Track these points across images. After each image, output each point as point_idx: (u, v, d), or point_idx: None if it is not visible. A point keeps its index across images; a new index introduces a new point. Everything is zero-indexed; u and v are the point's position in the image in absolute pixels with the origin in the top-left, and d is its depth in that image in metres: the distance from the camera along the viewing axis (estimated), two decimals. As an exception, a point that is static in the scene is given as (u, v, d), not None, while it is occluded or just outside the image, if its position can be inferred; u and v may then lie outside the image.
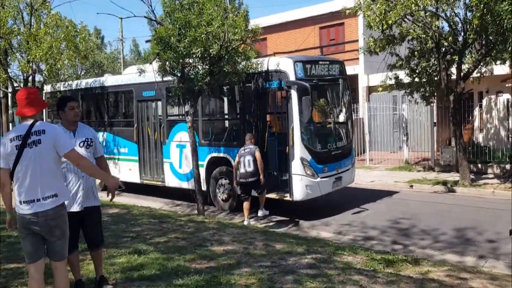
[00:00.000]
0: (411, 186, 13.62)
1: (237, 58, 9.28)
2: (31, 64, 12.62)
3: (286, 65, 9.71)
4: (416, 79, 14.26)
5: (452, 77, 13.27)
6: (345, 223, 9.73)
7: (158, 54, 9.07)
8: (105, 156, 13.03)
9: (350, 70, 20.17)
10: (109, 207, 10.27)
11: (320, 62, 10.29)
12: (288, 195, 9.97)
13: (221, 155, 11.01)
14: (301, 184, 9.74)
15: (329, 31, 22.17)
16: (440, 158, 15.84)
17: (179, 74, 9.21)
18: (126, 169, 13.47)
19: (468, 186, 12.75)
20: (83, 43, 13.82)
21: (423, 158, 17.02)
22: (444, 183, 13.33)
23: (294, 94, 9.56)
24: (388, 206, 11.08)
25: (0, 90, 14.89)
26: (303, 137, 9.68)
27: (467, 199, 11.59)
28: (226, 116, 11.79)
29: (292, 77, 9.59)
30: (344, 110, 11.03)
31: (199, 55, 8.71)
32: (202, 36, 8.62)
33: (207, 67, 9.27)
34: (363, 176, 15.22)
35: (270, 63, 10.00)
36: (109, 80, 13.96)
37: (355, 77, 20.33)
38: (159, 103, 12.40)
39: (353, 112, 17.22)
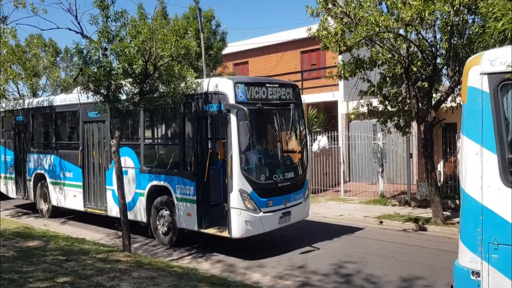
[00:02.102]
0: (381, 222, 12.51)
1: (170, 77, 8.34)
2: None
3: (226, 87, 8.78)
4: (389, 107, 13.30)
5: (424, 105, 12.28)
6: (288, 265, 8.64)
7: (81, 70, 8.18)
8: (51, 180, 12.12)
9: (329, 96, 19.48)
10: (30, 239, 9.30)
11: (268, 85, 9.35)
12: (227, 231, 8.90)
13: (162, 183, 10.01)
14: (239, 219, 8.69)
15: (310, 56, 21.40)
16: (416, 192, 14.73)
17: (104, 92, 8.29)
18: (71, 196, 12.50)
19: (441, 224, 11.61)
20: (34, 61, 12.99)
21: (400, 191, 15.92)
22: (416, 220, 12.20)
23: (233, 118, 8.60)
24: (343, 246, 9.96)
25: None
26: (242, 166, 8.68)
27: (434, 240, 10.45)
28: (167, 141, 10.83)
29: (231, 100, 8.66)
30: (295, 138, 10.04)
31: (121, 71, 7.79)
32: (125, 50, 7.73)
33: (136, 85, 8.35)
34: (334, 209, 14.18)
35: (210, 84, 9.09)
36: (58, 99, 13.10)
37: (334, 104, 19.47)
38: (104, 124, 11.47)
39: (329, 140, 16.49)
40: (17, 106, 14.34)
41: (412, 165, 15.55)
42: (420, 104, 11.95)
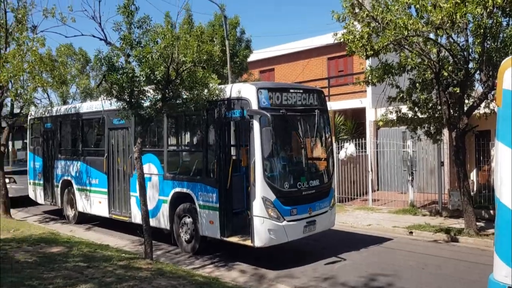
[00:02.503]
0: (411, 232, 12.07)
1: (192, 83, 8.25)
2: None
3: (249, 92, 8.62)
4: (419, 114, 12.89)
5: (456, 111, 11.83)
6: (313, 276, 8.36)
7: (104, 77, 8.17)
8: (78, 187, 12.16)
9: (357, 103, 19.11)
10: (54, 244, 9.32)
11: (292, 90, 9.14)
12: (249, 239, 8.70)
13: (184, 190, 9.90)
14: (262, 228, 8.47)
15: (338, 62, 21.09)
16: (448, 202, 14.19)
17: (127, 99, 8.25)
18: (96, 202, 12.55)
19: (474, 235, 11.10)
20: (61, 68, 13.17)
21: (431, 201, 15.39)
22: (447, 230, 11.72)
23: (256, 124, 8.43)
24: (371, 257, 9.61)
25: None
26: (266, 173, 8.48)
27: (467, 252, 9.97)
28: (190, 148, 10.73)
29: (254, 106, 8.49)
30: (321, 144, 9.79)
31: (144, 77, 7.73)
32: (147, 56, 7.68)
33: (158, 91, 8.29)
34: (361, 219, 13.80)
35: (233, 90, 8.95)
36: (84, 106, 13.24)
37: (362, 111, 19.08)
38: (128, 131, 11.48)
39: (357, 148, 16.12)
40: (45, 114, 14.55)
41: (444, 173, 15.03)
42: (451, 111, 11.50)
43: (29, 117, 15.59)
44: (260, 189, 8.43)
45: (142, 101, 8.46)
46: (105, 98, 8.54)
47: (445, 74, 10.97)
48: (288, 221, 8.67)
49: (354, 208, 15.69)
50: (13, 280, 6.22)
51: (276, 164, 8.80)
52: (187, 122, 10.51)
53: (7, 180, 16.54)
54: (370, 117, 18.52)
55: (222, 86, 9.22)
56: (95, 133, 13.31)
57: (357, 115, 19.77)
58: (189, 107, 8.68)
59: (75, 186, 13.30)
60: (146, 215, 8.66)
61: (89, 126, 13.40)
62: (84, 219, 13.47)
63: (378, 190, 17.97)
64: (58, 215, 14.69)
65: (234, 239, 9.04)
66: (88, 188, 12.80)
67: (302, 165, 9.34)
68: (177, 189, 10.06)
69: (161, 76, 7.89)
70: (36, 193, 15.34)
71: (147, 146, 11.06)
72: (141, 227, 11.08)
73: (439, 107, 12.15)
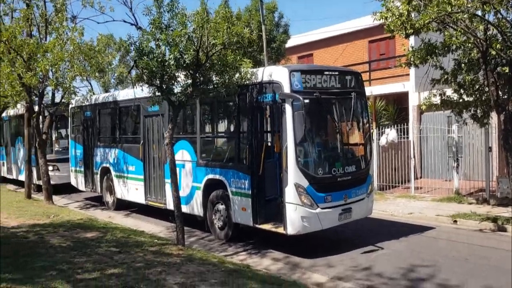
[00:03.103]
0: (455, 221, 11.48)
1: (223, 66, 8.04)
2: (39, 77, 12.19)
3: (281, 75, 8.33)
4: (464, 96, 12.18)
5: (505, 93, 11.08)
6: (349, 265, 8.05)
7: (135, 62, 8.10)
8: (116, 174, 12.28)
9: (399, 87, 18.40)
10: (90, 230, 9.44)
11: (326, 72, 8.77)
12: (282, 227, 8.47)
13: (217, 177, 9.77)
14: (295, 215, 8.22)
15: (379, 45, 20.37)
16: (496, 189, 13.43)
17: (158, 84, 8.15)
18: (133, 189, 12.66)
19: (524, 225, 10.44)
20: (98, 57, 13.30)
21: (478, 188, 14.61)
22: (495, 219, 11.06)
23: (288, 108, 8.14)
24: (411, 246, 9.17)
25: (18, 103, 14.75)
26: (298, 159, 8.20)
27: (516, 242, 9.36)
28: (222, 134, 10.56)
29: (286, 89, 8.19)
30: (358, 129, 9.38)
31: (173, 61, 7.59)
32: (176, 39, 7.52)
33: (188, 76, 8.14)
34: (403, 207, 13.28)
35: (264, 74, 8.68)
36: (121, 94, 13.33)
37: (405, 95, 18.35)
38: (162, 118, 11.45)
39: (398, 134, 15.50)
40: (85, 102, 14.79)
41: (492, 159, 14.20)
42: (500, 92, 10.77)
43: (70, 106, 15.93)
44: (293, 175, 8.17)
45: (173, 87, 8.34)
46: (136, 84, 8.47)
47: (493, 53, 10.23)
48: (322, 208, 8.38)
49: (395, 196, 15.14)
50: (44, 265, 6.28)
51: (309, 150, 8.50)
52: (219, 108, 10.36)
53: (50, 168, 17.05)
54: (413, 101, 17.78)
55: (254, 69, 8.97)
56: (131, 120, 13.40)
57: (400, 100, 19.05)
58: (220, 92, 8.49)
59: (113, 173, 13.48)
60: (177, 201, 8.59)
61: (126, 113, 13.51)
62: (123, 205, 13.63)
63: (421, 177, 17.29)
64: (98, 201, 14.98)
65: (266, 227, 8.84)
66: (125, 175, 12.93)
67: (337, 150, 8.97)
68: (210, 176, 9.94)
69: (191, 60, 7.72)
70: (78, 180, 15.69)
71: (180, 133, 11.00)
72: (171, 213, 11.15)
73: (487, 89, 11.41)
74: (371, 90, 18.09)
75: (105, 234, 8.92)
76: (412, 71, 17.83)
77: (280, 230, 8.50)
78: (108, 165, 13.75)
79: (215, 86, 8.35)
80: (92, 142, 14.69)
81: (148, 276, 5.92)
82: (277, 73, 8.42)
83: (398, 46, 19.03)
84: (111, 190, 13.85)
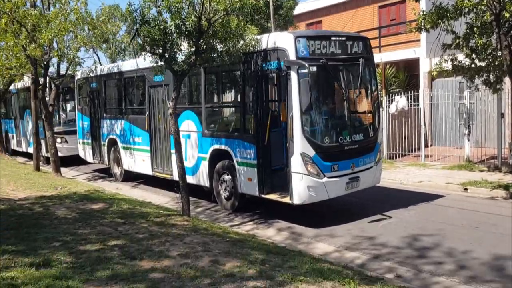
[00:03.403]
0: (465, 189, 11.31)
1: (226, 33, 7.80)
2: (42, 48, 12.02)
3: (286, 42, 8.08)
4: (476, 61, 11.80)
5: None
6: (356, 235, 7.97)
7: (137, 30, 7.88)
8: (123, 145, 12.18)
9: (410, 53, 17.95)
10: (96, 201, 9.44)
11: (333, 38, 8.48)
12: (288, 197, 8.38)
13: (223, 147, 9.65)
14: (302, 185, 8.11)
15: (389, 10, 19.79)
16: (509, 156, 13.17)
17: (160, 52, 7.95)
18: (140, 160, 12.62)
19: (536, 192, 10.24)
20: (103, 27, 13.05)
21: (490, 155, 14.35)
22: (506, 187, 10.87)
23: (293, 76, 7.92)
24: (419, 215, 9.05)
25: (24, 75, 14.62)
26: (304, 128, 8.02)
27: (528, 210, 9.19)
28: (227, 103, 10.37)
29: (292, 56, 7.95)
30: (365, 97, 9.14)
31: (174, 29, 7.37)
32: (178, 5, 7.28)
33: (191, 44, 7.93)
34: (412, 175, 13.12)
35: (269, 40, 8.43)
36: (126, 65, 13.13)
37: (415, 62, 17.91)
38: (168, 88, 11.28)
39: (409, 101, 15.19)
40: (90, 74, 14.63)
41: (504, 126, 13.88)
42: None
43: (76, 78, 15.80)
44: (299, 144, 8.01)
45: (176, 55, 8.13)
46: (138, 53, 8.28)
47: (507, 15, 9.81)
48: (328, 177, 8.25)
49: (405, 164, 14.96)
50: (47, 236, 6.27)
51: (315, 118, 8.32)
52: (224, 77, 10.16)
53: (58, 140, 17.09)
54: (424, 68, 17.36)
55: (258, 36, 8.71)
56: (137, 91, 13.26)
57: (410, 67, 18.61)
58: (224, 60, 8.27)
59: (120, 145, 13.44)
60: (182, 171, 8.50)
61: (131, 84, 13.34)
62: (130, 177, 13.64)
63: (431, 145, 17.05)
64: (106, 173, 15.02)
65: (272, 197, 8.76)
66: (132, 146, 12.88)
67: (344, 118, 8.76)
68: (216, 146, 9.83)
69: (193, 27, 7.49)
70: (85, 152, 15.70)
71: (186, 103, 10.85)
72: (176, 183, 11.11)
73: (500, 53, 11.03)
74: (380, 57, 17.68)
75: (110, 205, 8.90)
76: (423, 36, 17.34)
77: (286, 200, 8.41)
78: (115, 137, 13.69)
79: (219, 54, 8.12)
80: (99, 114, 14.60)
81: (151, 247, 5.89)
82: (282, 40, 8.16)
83: (409, 11, 18.45)
84: (118, 161, 13.83)
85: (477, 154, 14.29)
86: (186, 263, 5.28)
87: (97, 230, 6.77)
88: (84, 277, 4.62)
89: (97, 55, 15.52)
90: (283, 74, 8.15)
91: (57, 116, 18.10)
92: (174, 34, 7.53)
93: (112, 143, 13.91)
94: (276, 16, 17.50)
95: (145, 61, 9.40)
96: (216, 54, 8.18)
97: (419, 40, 17.54)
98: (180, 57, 8.22)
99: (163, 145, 11.72)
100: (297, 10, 20.22)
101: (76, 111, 16.30)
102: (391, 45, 18.86)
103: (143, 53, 8.26)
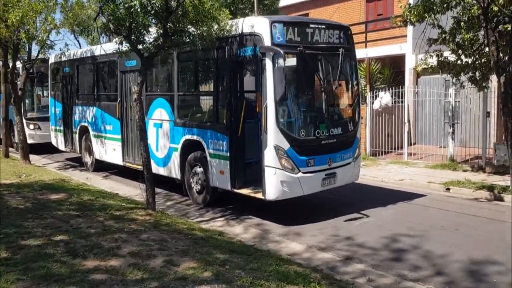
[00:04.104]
0: (448, 189, 10.94)
1: (198, 15, 7.25)
2: (12, 28, 11.32)
3: (261, 27, 7.56)
4: (463, 57, 11.39)
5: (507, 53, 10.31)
6: (330, 234, 7.52)
7: (100, 9, 7.30)
8: (94, 133, 11.55)
9: (396, 49, 17.55)
10: (57, 191, 8.86)
11: (312, 25, 7.97)
12: (261, 192, 7.89)
13: (195, 138, 9.12)
14: (274, 180, 7.62)
15: (377, 5, 19.35)
16: (493, 156, 12.84)
17: (125, 34, 7.38)
18: (111, 149, 12.03)
19: (520, 194, 9.89)
20: (75, 8, 12.39)
21: (474, 155, 14.02)
22: (490, 188, 10.51)
23: (268, 63, 7.41)
24: (398, 215, 8.63)
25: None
26: (279, 119, 7.53)
27: (511, 212, 8.82)
28: (200, 91, 9.82)
29: (267, 42, 7.44)
30: (345, 89, 8.68)
31: (140, 8, 6.80)
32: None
33: (160, 26, 7.37)
34: (394, 173, 12.73)
35: (244, 25, 7.90)
36: (98, 48, 12.46)
37: (402, 58, 17.52)
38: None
39: (393, 98, 14.78)
40: (63, 58, 13.95)
41: (489, 125, 13.57)
42: (501, 53, 10.00)
43: (49, 62, 15.11)
44: (272, 136, 7.52)
45: (144, 37, 7.57)
46: (101, 32, 7.70)
47: (495, 9, 9.39)
48: (304, 172, 7.78)
49: (388, 162, 14.58)
50: (-11, 229, 5.70)
51: (291, 109, 7.82)
52: (198, 63, 9.60)
53: (31, 127, 16.42)
54: (410, 64, 16.96)
55: (233, 20, 8.18)
56: (109, 77, 12.63)
57: (396, 63, 18.22)
58: (196, 44, 7.73)
59: (91, 133, 12.83)
60: (147, 161, 7.96)
61: (104, 69, 12.71)
62: (102, 166, 13.03)
63: (415, 143, 16.70)
64: (79, 162, 14.38)
65: (245, 191, 8.27)
66: (103, 134, 12.28)
67: (322, 111, 8.27)
68: (188, 136, 9.30)
69: (160, 6, 6.93)
70: (57, 139, 15.06)
71: (158, 90, 10.31)
72: (156, 176, 10.56)
73: (487, 49, 10.64)
74: (366, 52, 17.29)
75: (71, 196, 8.33)
76: (409, 32, 16.95)
77: (259, 195, 7.93)
78: (86, 124, 13.08)
79: (190, 37, 7.57)
80: (71, 100, 13.96)
81: (100, 244, 5.36)
82: (257, 25, 7.64)
83: (396, 6, 18.05)
84: (90, 150, 13.22)
85: (461, 153, 13.94)
86: (136, 263, 4.77)
87: (46, 222, 6.22)
88: (14, 276, 4.08)
89: (78, 41, 14.83)
90: (258, 61, 7.64)
91: (31, 101, 17.42)
92: (140, 14, 6.94)
93: (84, 131, 13.28)
94: (261, 6, 16.94)
95: (109, 43, 8.82)
96: (187, 38, 7.63)
97: (405, 36, 17.14)
98: (148, 39, 7.67)
99: (134, 133, 11.14)
100: (284, 2, 19.71)
101: (49, 97, 15.60)
102: (377, 41, 18.46)
103: (107, 33, 7.67)
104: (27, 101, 17.03)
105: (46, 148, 16.14)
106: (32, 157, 15.96)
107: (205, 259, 5.17)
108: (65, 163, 15.18)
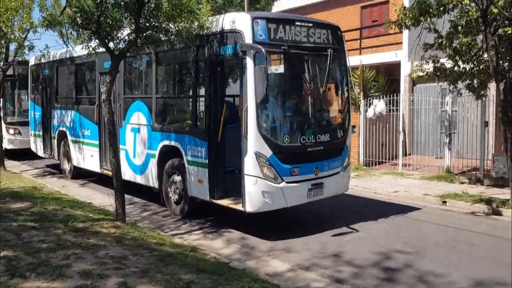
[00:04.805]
0: (444, 202, 10.31)
1: (174, 9, 6.65)
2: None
3: (242, 23, 6.95)
4: (460, 63, 10.82)
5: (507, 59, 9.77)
6: (317, 250, 6.86)
7: (67, 1, 6.69)
8: (72, 139, 10.83)
9: (391, 56, 16.99)
10: (21, 200, 8.17)
11: (298, 23, 7.37)
12: (241, 203, 7.23)
13: (173, 143, 8.48)
14: (256, 190, 6.97)
15: (372, 11, 18.83)
16: (492, 168, 12.23)
17: (94, 29, 6.75)
18: (88, 155, 11.37)
19: (521, 208, 9.26)
20: (55, 7, 11.78)
21: (471, 167, 13.40)
22: (489, 201, 9.89)
23: (249, 62, 6.80)
24: (390, 229, 7.98)
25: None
26: (260, 123, 6.90)
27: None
28: (178, 94, 9.18)
29: (248, 39, 6.83)
30: (335, 92, 8.07)
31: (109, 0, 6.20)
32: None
33: (131, 20, 6.75)
34: (388, 185, 12.09)
35: (225, 21, 7.29)
36: (78, 50, 11.85)
37: (397, 66, 16.95)
38: (118, 76, 10.05)
39: (388, 106, 14.19)
40: (42, 59, 13.31)
41: (488, 135, 12.96)
42: (500, 58, 9.42)
43: (30, 64, 14.49)
44: (253, 142, 6.89)
45: (114, 32, 6.95)
46: (69, 27, 7.08)
47: (495, 11, 8.84)
48: (287, 182, 7.13)
49: (382, 172, 13.95)
50: None
51: (274, 113, 7.20)
52: (177, 64, 9.00)
53: (11, 131, 15.76)
54: (406, 71, 16.38)
55: (214, 17, 7.57)
56: (88, 79, 11.98)
57: (391, 71, 17.66)
58: (172, 41, 7.11)
59: (69, 138, 12.17)
60: (116, 168, 7.30)
61: (83, 71, 12.07)
62: (82, 173, 12.33)
63: (410, 154, 16.08)
64: (58, 169, 13.68)
65: (224, 202, 7.62)
66: (81, 140, 11.62)
67: (308, 116, 7.63)
68: (166, 142, 8.65)
69: (129, -2, 6.32)
70: (37, 145, 14.38)
71: (136, 93, 9.68)
72: (133, 184, 9.90)
73: (485, 55, 10.08)
74: (360, 59, 16.72)
75: (35, 205, 7.64)
76: (405, 39, 16.44)
77: (239, 206, 7.27)
78: (64, 129, 12.41)
79: (165, 33, 6.96)
80: (51, 104, 13.30)
81: (49, 261, 4.68)
82: (238, 21, 7.03)
83: (392, 12, 17.54)
84: (68, 156, 12.54)
85: (458, 165, 13.33)
86: (83, 285, 4.10)
87: (-3, 235, 5.54)
88: None
89: (66, 44, 14.15)
90: (239, 60, 7.02)
91: (12, 105, 16.76)
92: (109, 6, 6.33)
93: (62, 136, 12.62)
94: (253, 9, 16.40)
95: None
96: (162, 34, 7.01)
97: (401, 43, 16.62)
98: (121, 35, 7.05)
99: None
100: (276, 8, 19.19)
101: (29, 101, 14.94)
102: (372, 47, 17.91)
103: (75, 28, 7.04)
104: (7, 104, 16.38)
105: (29, 154, 15.41)
106: (12, 163, 15.35)
107: (166, 280, 4.50)
108: (45, 169, 14.48)
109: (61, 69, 12.82)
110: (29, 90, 15.00)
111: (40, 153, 14.25)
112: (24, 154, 15.63)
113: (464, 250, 6.87)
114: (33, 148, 14.74)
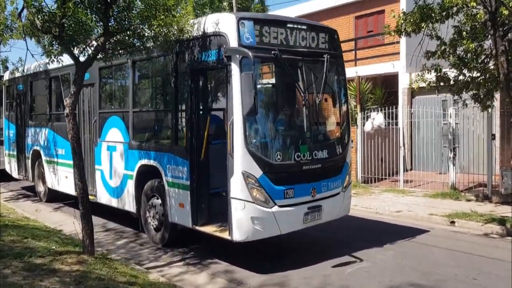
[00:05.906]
0: (452, 222, 9.42)
1: (148, 9, 5.78)
2: None
3: (227, 25, 6.09)
4: (465, 71, 10.03)
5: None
6: (316, 285, 5.92)
7: (25, 2, 5.79)
8: (46, 158, 9.73)
9: (388, 67, 16.25)
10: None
11: (290, 25, 6.52)
12: (227, 230, 6.28)
13: (151, 162, 7.54)
14: (244, 215, 6.03)
15: (367, 21, 18.16)
16: (500, 184, 11.37)
17: (56, 33, 5.85)
18: (63, 177, 10.38)
19: (538, 228, 8.39)
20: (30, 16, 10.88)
21: (477, 183, 12.54)
22: (501, 221, 9.01)
23: (235, 68, 5.91)
24: (398, 257, 7.03)
25: None
26: (248, 139, 5.99)
27: (533, 252, 7.28)
28: (157, 107, 8.27)
29: (233, 43, 5.96)
30: (332, 103, 7.20)
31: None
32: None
33: (99, 21, 5.87)
34: (390, 203, 11.19)
35: (207, 23, 6.42)
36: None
37: (394, 77, 16.22)
38: (93, 88, 9.18)
39: (387, 119, 13.38)
40: (16, 74, 12.37)
41: (495, 149, 12.11)
42: (510, 65, 8.62)
43: (4, 79, 13.56)
44: (240, 160, 5.97)
45: (80, 37, 6.05)
46: (27, 32, 6.18)
47: (505, 13, 8.09)
48: (280, 206, 6.19)
49: (382, 190, 13.06)
50: None
51: (264, 126, 6.31)
52: (156, 74, 8.14)
53: (-14, 151, 14.74)
54: (404, 83, 15.63)
55: (196, 19, 6.71)
56: (62, 93, 11.04)
57: (389, 83, 16.92)
58: (147, 47, 6.23)
59: (43, 158, 11.20)
60: (82, 193, 6.33)
61: (57, 85, 11.12)
62: (57, 196, 11.30)
63: (411, 169, 15.24)
64: (34, 191, 12.65)
65: (208, 229, 6.65)
66: (55, 160, 10.65)
67: (303, 129, 6.73)
68: (144, 161, 7.71)
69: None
70: (11, 165, 13.39)
71: (112, 107, 8.78)
72: (111, 209, 8.97)
73: (491, 64, 9.31)
74: (356, 71, 15.98)
75: (-8, 235, 6.65)
76: (402, 49, 15.75)
77: (225, 235, 6.31)
78: (39, 148, 11.45)
79: (139, 36, 6.07)
80: (24, 121, 12.35)
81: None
82: (222, 22, 6.16)
83: (387, 22, 16.86)
84: (43, 177, 11.54)
85: (463, 180, 12.46)
86: None
87: None
88: None
89: (32, 55, 13.23)
90: (223, 67, 6.14)
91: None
92: (71, 5, 5.44)
93: (37, 156, 11.63)
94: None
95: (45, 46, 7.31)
96: (135, 38, 6.12)
97: (398, 53, 15.90)
98: (88, 40, 6.16)
99: (86, 159, 9.52)
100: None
101: (3, 118, 13.97)
102: (368, 58, 17.17)
103: (34, 32, 6.15)
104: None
105: (5, 176, 14.32)
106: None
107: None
108: (20, 192, 13.46)
109: (35, 83, 11.90)
110: (3, 107, 14.04)
111: (15, 174, 13.25)
112: (0, 176, 14.59)
113: (489, 283, 5.94)
114: (7, 169, 13.75)
